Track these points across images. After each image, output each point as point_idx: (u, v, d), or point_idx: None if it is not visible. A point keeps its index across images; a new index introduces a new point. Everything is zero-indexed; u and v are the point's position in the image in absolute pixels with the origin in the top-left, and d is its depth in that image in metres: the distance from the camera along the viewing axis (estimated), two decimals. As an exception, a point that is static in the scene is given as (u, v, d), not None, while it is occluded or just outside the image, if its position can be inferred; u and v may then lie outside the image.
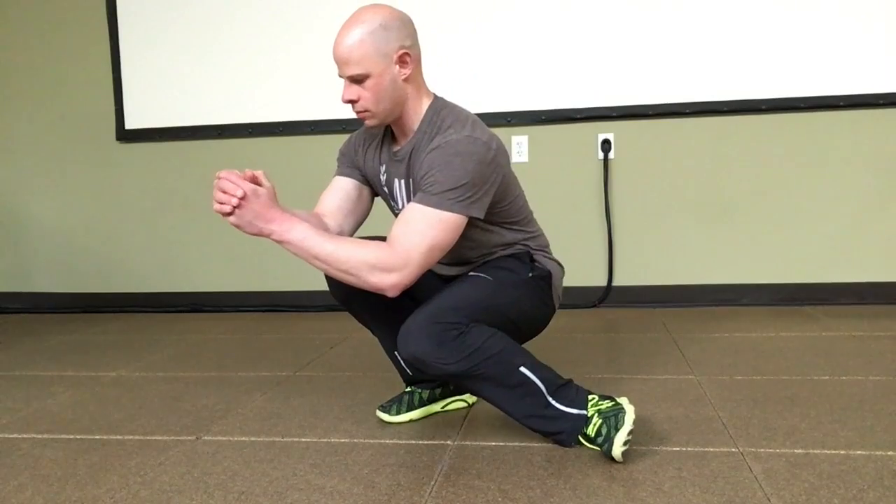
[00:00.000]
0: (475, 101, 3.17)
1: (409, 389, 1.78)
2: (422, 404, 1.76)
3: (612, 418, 1.44)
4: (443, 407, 1.80)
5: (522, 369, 1.47)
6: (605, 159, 3.15)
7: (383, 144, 1.65)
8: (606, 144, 3.13)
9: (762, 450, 1.48)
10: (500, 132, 3.14)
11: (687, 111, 3.06)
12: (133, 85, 3.47)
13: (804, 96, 2.98)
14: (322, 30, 3.28)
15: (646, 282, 3.18)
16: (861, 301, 3.03)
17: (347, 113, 3.28)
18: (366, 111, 1.52)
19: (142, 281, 3.59)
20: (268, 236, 1.43)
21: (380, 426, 1.71)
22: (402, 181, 1.61)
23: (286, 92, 3.34)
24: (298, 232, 1.43)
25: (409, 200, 1.60)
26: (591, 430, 1.47)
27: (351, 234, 1.68)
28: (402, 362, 1.77)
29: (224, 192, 1.40)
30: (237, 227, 1.42)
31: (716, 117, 3.07)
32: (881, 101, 2.95)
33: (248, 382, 2.16)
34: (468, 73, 3.18)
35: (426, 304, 1.49)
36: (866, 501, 1.24)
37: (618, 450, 1.41)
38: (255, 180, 1.44)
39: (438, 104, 1.57)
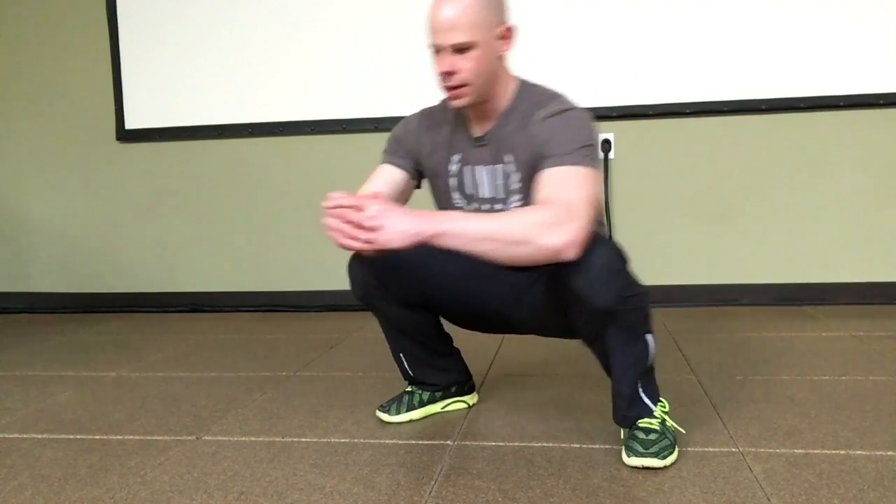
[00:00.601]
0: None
1: (409, 389, 1.78)
2: (421, 405, 1.76)
3: (669, 443, 1.41)
4: (443, 408, 1.80)
5: (648, 336, 1.44)
6: (605, 159, 3.15)
7: (455, 130, 1.57)
8: (606, 144, 3.13)
9: (762, 450, 1.48)
10: (500, 132, 3.14)
11: (687, 111, 3.06)
12: (133, 85, 3.47)
13: (804, 96, 2.98)
14: (322, 30, 3.28)
15: (646, 282, 3.17)
16: (861, 301, 3.03)
17: (347, 113, 3.27)
18: (464, 85, 1.44)
19: (142, 281, 3.59)
20: (417, 236, 1.30)
21: (380, 426, 1.71)
22: (488, 167, 1.53)
23: (286, 92, 3.34)
24: (452, 217, 1.32)
25: (491, 188, 1.53)
26: (644, 424, 1.44)
27: None
28: (405, 362, 1.76)
29: (347, 222, 1.28)
30: (381, 249, 1.31)
31: (716, 117, 3.07)
32: (881, 101, 2.95)
33: (248, 382, 2.16)
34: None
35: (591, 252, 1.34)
36: (866, 501, 1.24)
37: (635, 461, 1.40)
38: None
39: (527, 84, 1.54)
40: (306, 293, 3.41)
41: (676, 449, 1.45)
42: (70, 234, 3.64)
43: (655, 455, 1.39)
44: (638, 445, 1.41)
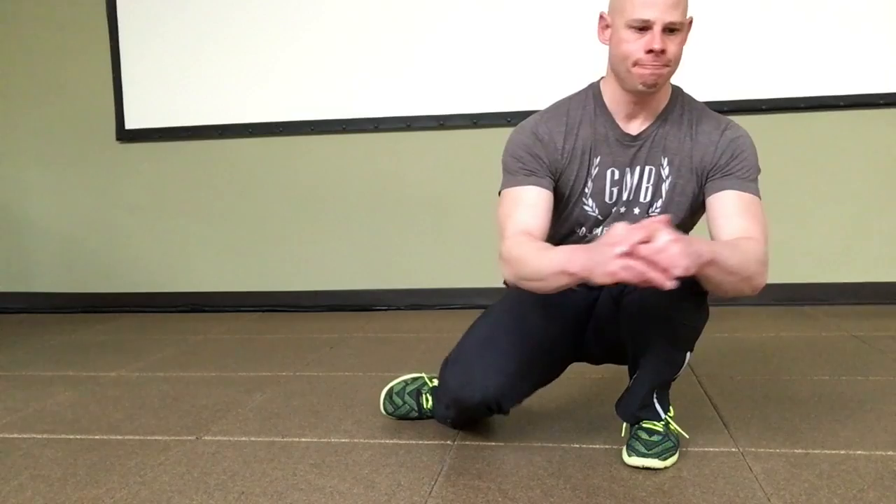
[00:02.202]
0: (475, 100, 3.17)
1: (426, 409, 1.72)
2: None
3: (671, 445, 1.42)
4: None
5: (687, 354, 1.44)
6: (605, 159, 3.14)
7: (597, 130, 1.45)
8: (606, 144, 3.12)
9: (762, 450, 1.48)
10: (499, 132, 3.14)
11: (687, 111, 3.06)
12: (133, 85, 3.47)
13: (804, 96, 2.98)
14: (322, 29, 3.28)
15: (646, 282, 3.17)
16: (861, 301, 3.03)
17: (347, 113, 3.27)
18: (667, 66, 1.35)
19: (142, 281, 3.59)
20: (700, 259, 1.16)
21: (380, 426, 1.71)
22: (637, 168, 1.44)
23: (286, 92, 3.34)
24: (715, 245, 1.25)
25: (637, 191, 1.45)
26: (648, 425, 1.45)
27: None
28: (447, 425, 1.67)
29: (642, 259, 1.12)
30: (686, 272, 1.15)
31: (716, 117, 3.07)
32: (881, 101, 2.95)
33: (248, 382, 2.16)
34: (469, 72, 3.18)
35: None
36: (866, 501, 1.24)
37: (637, 462, 1.40)
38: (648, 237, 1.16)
39: (678, 88, 1.49)
40: (306, 293, 3.41)
41: (678, 451, 1.45)
42: (70, 234, 3.64)
43: (657, 456, 1.39)
44: (640, 446, 1.41)
